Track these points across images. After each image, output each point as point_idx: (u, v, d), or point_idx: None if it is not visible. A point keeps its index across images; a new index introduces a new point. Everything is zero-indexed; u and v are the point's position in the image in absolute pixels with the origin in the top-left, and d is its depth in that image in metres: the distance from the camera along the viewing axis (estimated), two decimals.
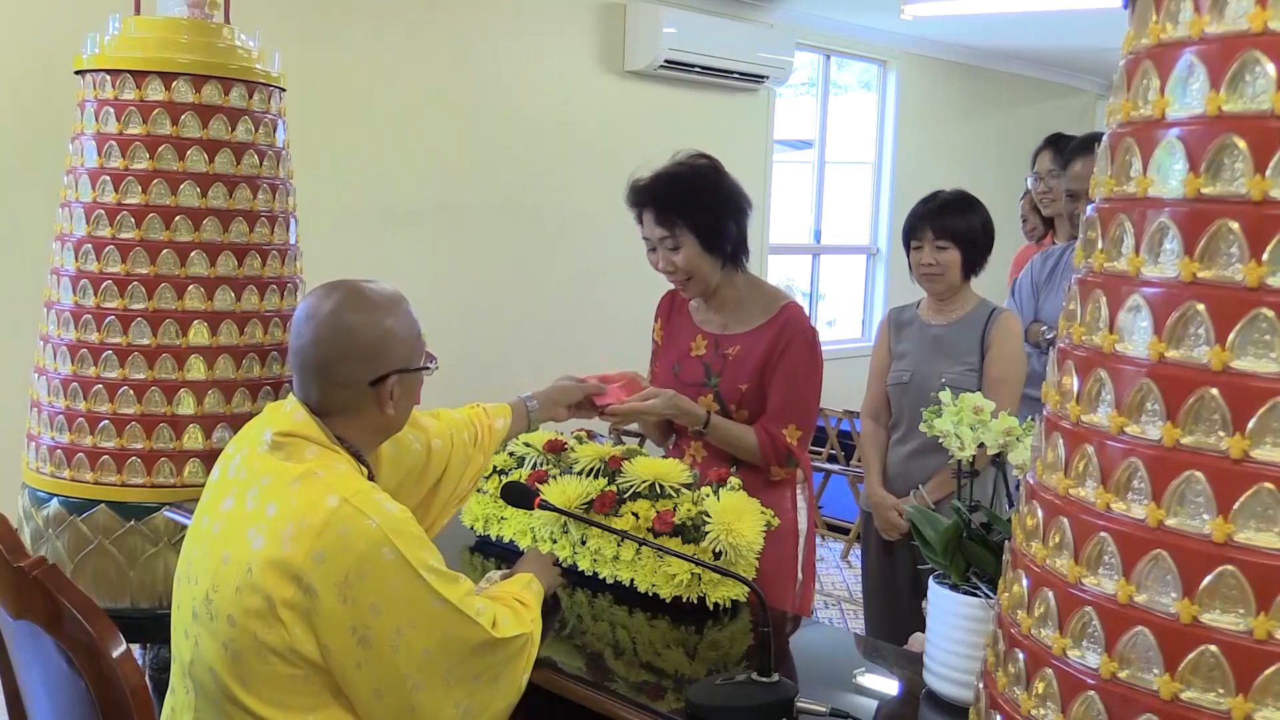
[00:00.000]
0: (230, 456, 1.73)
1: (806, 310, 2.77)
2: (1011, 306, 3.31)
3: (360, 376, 1.66)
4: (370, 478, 1.70)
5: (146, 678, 1.58)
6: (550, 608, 1.99)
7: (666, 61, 5.87)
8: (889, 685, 1.82)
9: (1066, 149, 3.43)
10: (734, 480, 2.19)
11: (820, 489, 5.63)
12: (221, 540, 1.61)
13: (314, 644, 1.53)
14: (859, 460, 6.08)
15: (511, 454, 2.44)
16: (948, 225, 2.88)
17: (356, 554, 1.52)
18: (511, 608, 1.76)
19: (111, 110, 2.57)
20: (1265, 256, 0.90)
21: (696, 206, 2.45)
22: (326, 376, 1.66)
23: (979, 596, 1.65)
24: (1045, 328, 3.23)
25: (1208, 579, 0.91)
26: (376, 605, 1.52)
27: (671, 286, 2.62)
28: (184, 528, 2.38)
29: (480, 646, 1.62)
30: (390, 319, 1.71)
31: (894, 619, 3.01)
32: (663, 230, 2.45)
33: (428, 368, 1.79)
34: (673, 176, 2.49)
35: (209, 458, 2.56)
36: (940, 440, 1.79)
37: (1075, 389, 1.05)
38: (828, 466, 5.41)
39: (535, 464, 2.37)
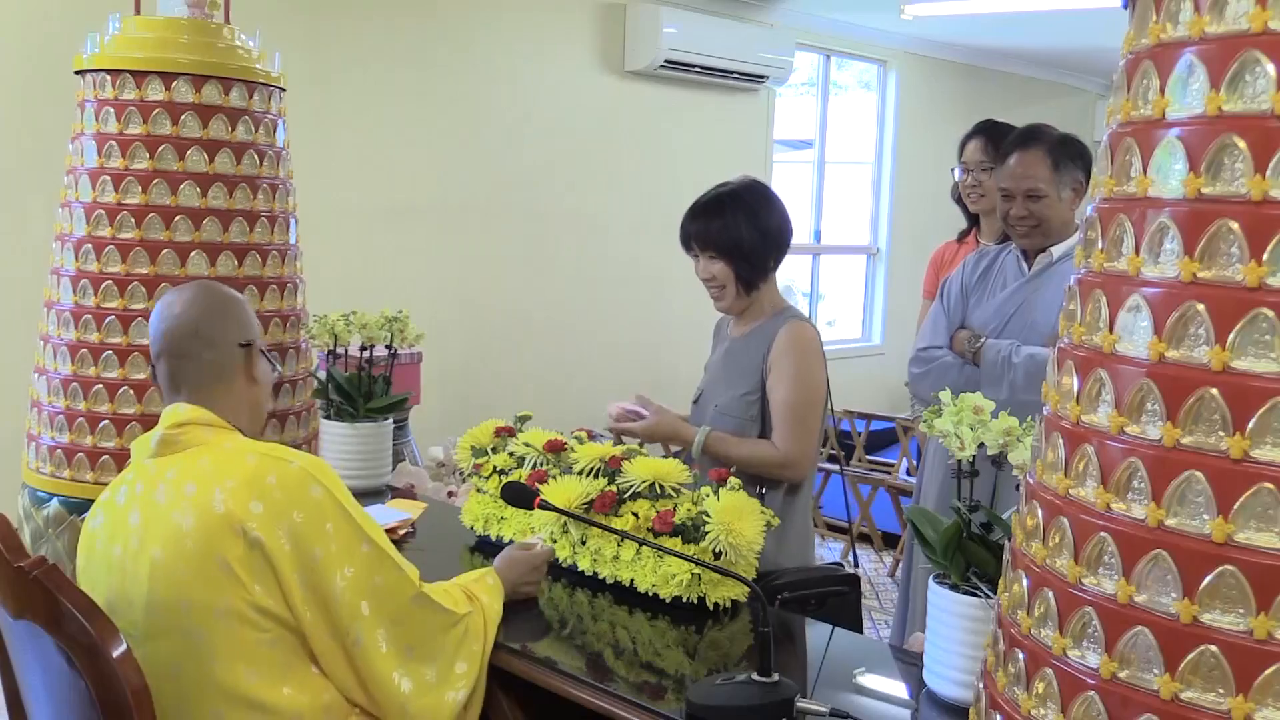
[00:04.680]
0: (110, 499, 1.75)
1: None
2: (938, 310, 2.99)
3: (231, 335, 1.77)
4: None
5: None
6: (520, 607, 2.00)
7: (666, 61, 5.87)
8: (889, 685, 1.82)
9: (1003, 141, 3.02)
10: (734, 480, 2.19)
11: (820, 489, 5.64)
12: (144, 546, 1.64)
13: (278, 596, 1.58)
14: (859, 460, 6.11)
15: (511, 454, 2.44)
16: (706, 234, 2.52)
17: (289, 495, 1.60)
18: (449, 591, 1.80)
19: (111, 110, 2.57)
20: (1265, 256, 0.90)
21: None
22: (198, 339, 1.74)
23: (979, 596, 1.65)
24: (973, 336, 2.85)
25: (1208, 579, 0.91)
26: (317, 551, 1.60)
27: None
28: None
29: (415, 600, 1.68)
30: (243, 303, 1.84)
31: None
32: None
33: (271, 359, 1.88)
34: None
35: None
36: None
37: (1075, 389, 1.05)
38: (827, 466, 5.42)
39: (535, 464, 2.37)
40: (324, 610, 1.61)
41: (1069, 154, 2.77)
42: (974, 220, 3.42)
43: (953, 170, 3.45)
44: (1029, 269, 2.85)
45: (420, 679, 1.69)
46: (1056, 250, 2.80)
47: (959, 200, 3.46)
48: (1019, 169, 2.76)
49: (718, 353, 2.70)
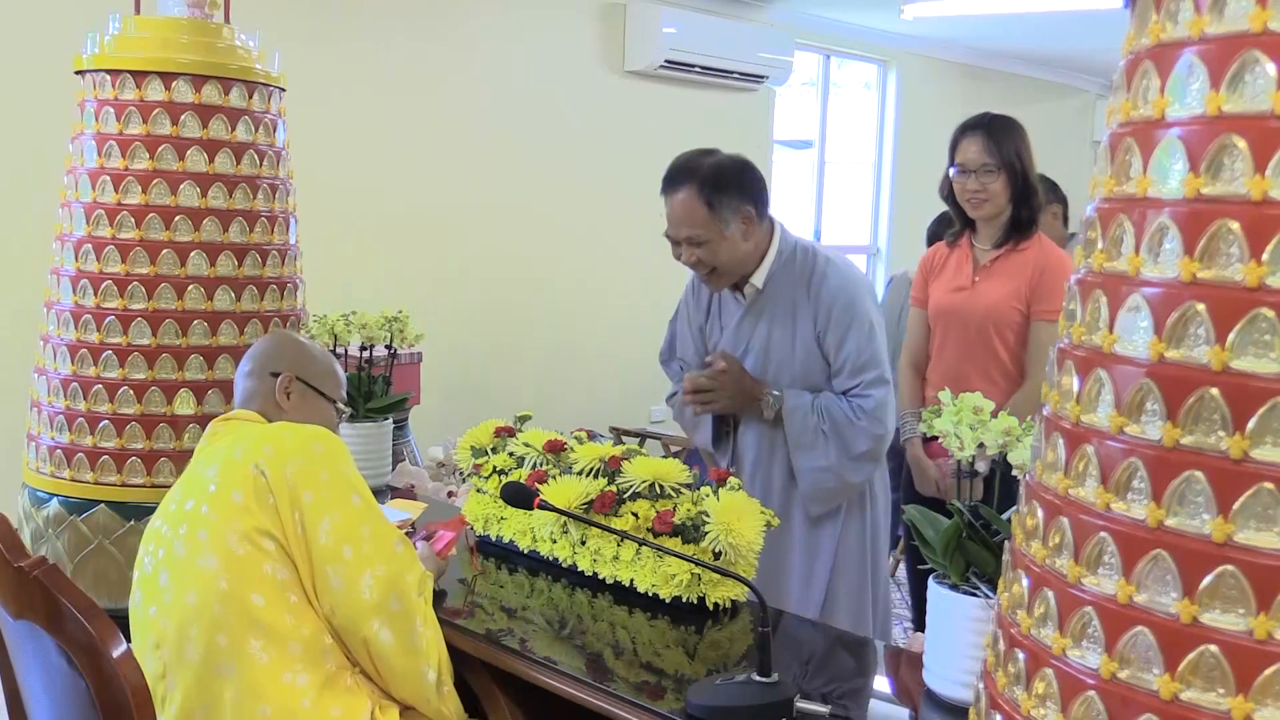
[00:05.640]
0: (169, 505, 1.92)
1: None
2: (683, 331, 2.87)
3: (265, 366, 2.06)
4: None
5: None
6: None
7: (666, 61, 5.87)
8: (889, 685, 1.82)
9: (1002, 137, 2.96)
10: (734, 480, 2.19)
11: None
12: (180, 506, 1.85)
13: (276, 522, 1.75)
14: None
15: (511, 454, 2.44)
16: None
17: (296, 444, 1.83)
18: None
19: (111, 110, 2.57)
20: (1265, 256, 0.90)
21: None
22: (243, 372, 2.08)
23: (979, 596, 1.65)
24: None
25: (1208, 579, 0.91)
26: (308, 495, 1.77)
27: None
28: None
29: (401, 543, 1.84)
30: (306, 345, 2.14)
31: None
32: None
33: (333, 400, 2.13)
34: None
35: None
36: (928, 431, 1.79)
37: (1075, 389, 1.05)
38: None
39: (535, 464, 2.37)
40: (308, 549, 1.76)
41: (722, 185, 2.50)
42: (967, 223, 3.15)
43: (948, 170, 3.15)
44: (744, 299, 2.65)
45: (401, 635, 1.78)
46: (758, 279, 2.59)
47: (950, 200, 3.18)
48: (672, 213, 2.54)
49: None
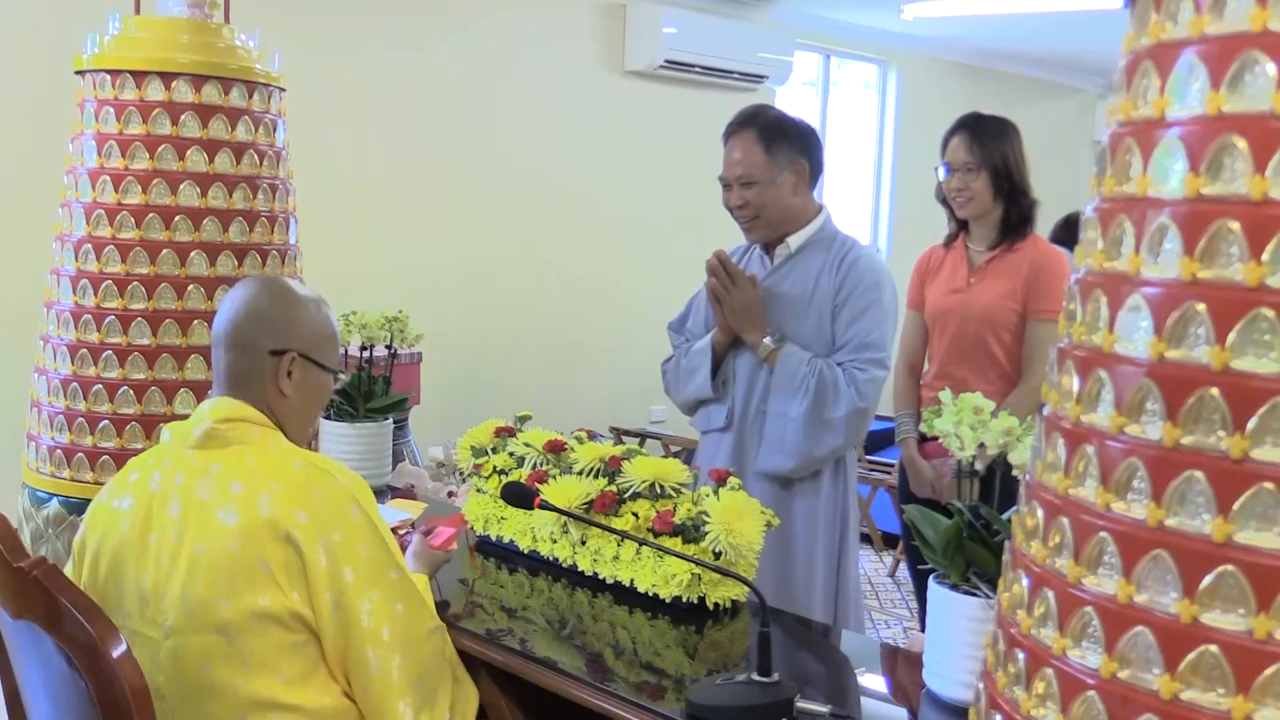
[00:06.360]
0: (141, 481, 1.73)
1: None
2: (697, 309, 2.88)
3: (263, 342, 1.75)
4: None
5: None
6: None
7: (666, 61, 5.88)
8: (889, 685, 1.82)
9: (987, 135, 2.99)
10: (734, 480, 2.19)
11: None
12: (184, 540, 1.63)
13: (308, 605, 1.59)
14: (859, 460, 6.10)
15: (511, 454, 2.43)
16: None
17: (334, 512, 1.62)
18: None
19: (111, 110, 2.57)
20: (1265, 256, 0.90)
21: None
22: (235, 340, 1.75)
23: (979, 596, 1.65)
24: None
25: (1208, 579, 0.91)
26: (350, 570, 1.61)
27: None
28: None
29: (431, 633, 1.71)
30: (301, 307, 1.81)
31: None
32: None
33: (335, 371, 1.86)
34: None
35: None
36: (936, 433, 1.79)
37: (1075, 389, 1.05)
38: None
39: (535, 464, 2.37)
40: (345, 630, 1.61)
41: (783, 134, 2.60)
42: (961, 224, 3.15)
43: (936, 169, 3.19)
44: (771, 263, 2.70)
45: (423, 713, 1.68)
46: (794, 241, 2.65)
47: (944, 202, 3.19)
48: (730, 155, 2.62)
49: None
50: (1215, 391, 0.91)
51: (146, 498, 1.71)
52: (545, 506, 2.13)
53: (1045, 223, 4.02)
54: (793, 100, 7.24)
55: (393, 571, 1.66)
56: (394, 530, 2.35)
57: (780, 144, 2.59)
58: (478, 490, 2.47)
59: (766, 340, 2.60)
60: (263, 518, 1.59)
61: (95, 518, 1.77)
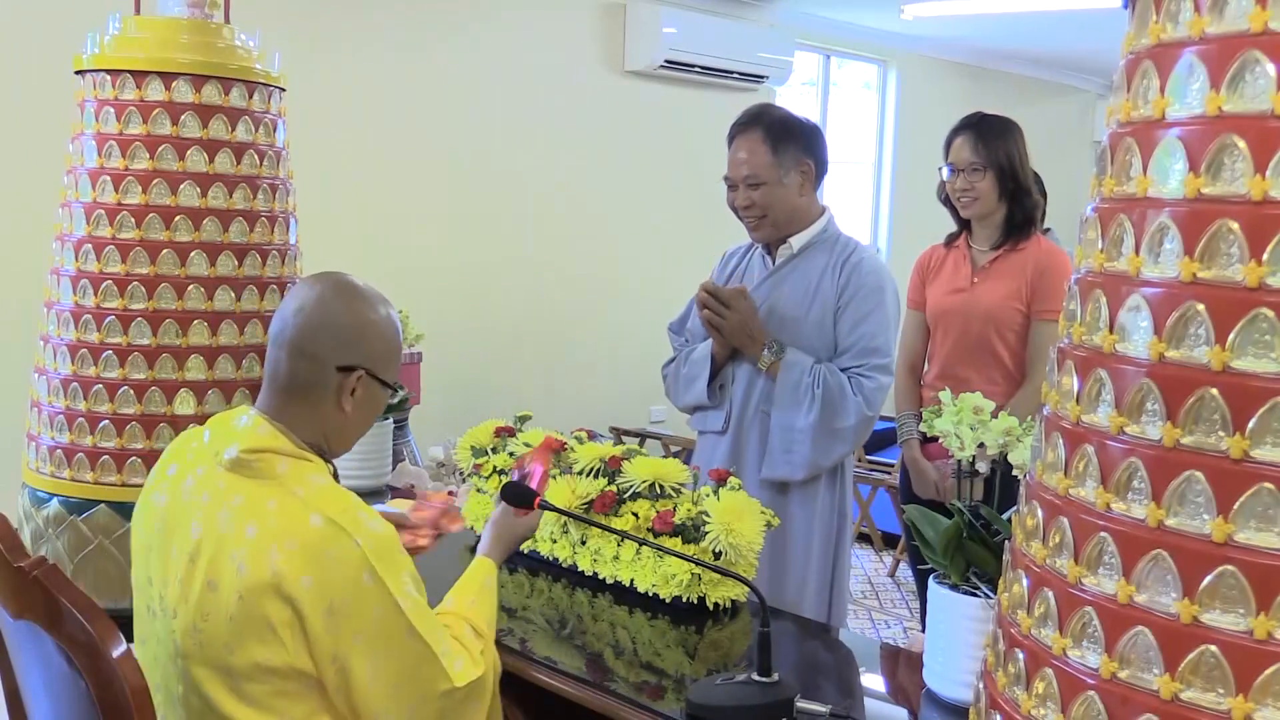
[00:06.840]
0: (177, 479, 1.67)
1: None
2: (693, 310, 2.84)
3: (331, 356, 1.62)
4: (335, 475, 1.67)
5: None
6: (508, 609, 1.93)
7: (666, 61, 5.87)
8: (889, 685, 1.82)
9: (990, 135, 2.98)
10: (734, 480, 2.19)
11: None
12: (198, 568, 1.57)
13: (310, 662, 1.52)
14: (859, 460, 6.11)
15: (511, 454, 2.44)
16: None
17: (341, 579, 1.51)
18: (465, 644, 1.66)
19: (111, 110, 2.57)
20: (1265, 256, 0.90)
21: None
22: (299, 348, 1.62)
23: (979, 596, 1.65)
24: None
25: (1208, 579, 0.91)
26: (356, 635, 1.51)
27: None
28: None
29: (445, 695, 1.59)
30: (376, 315, 1.69)
31: None
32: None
33: (396, 389, 1.75)
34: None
35: None
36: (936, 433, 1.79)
37: (1075, 389, 1.05)
38: None
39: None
40: (348, 691, 1.54)
41: (789, 134, 2.59)
42: (964, 224, 3.15)
43: (940, 170, 3.16)
44: (773, 263, 2.70)
45: None
46: (796, 242, 2.65)
47: (946, 201, 3.18)
48: (735, 155, 2.61)
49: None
50: (1215, 391, 0.91)
51: (177, 503, 1.65)
52: (545, 506, 2.12)
53: (1057, 221, 4.02)
54: (793, 100, 7.24)
55: (406, 634, 1.54)
56: (398, 525, 2.29)
57: (787, 144, 2.59)
58: (478, 490, 2.47)
59: (765, 354, 2.59)
60: (269, 575, 1.50)
61: (140, 513, 1.72)
